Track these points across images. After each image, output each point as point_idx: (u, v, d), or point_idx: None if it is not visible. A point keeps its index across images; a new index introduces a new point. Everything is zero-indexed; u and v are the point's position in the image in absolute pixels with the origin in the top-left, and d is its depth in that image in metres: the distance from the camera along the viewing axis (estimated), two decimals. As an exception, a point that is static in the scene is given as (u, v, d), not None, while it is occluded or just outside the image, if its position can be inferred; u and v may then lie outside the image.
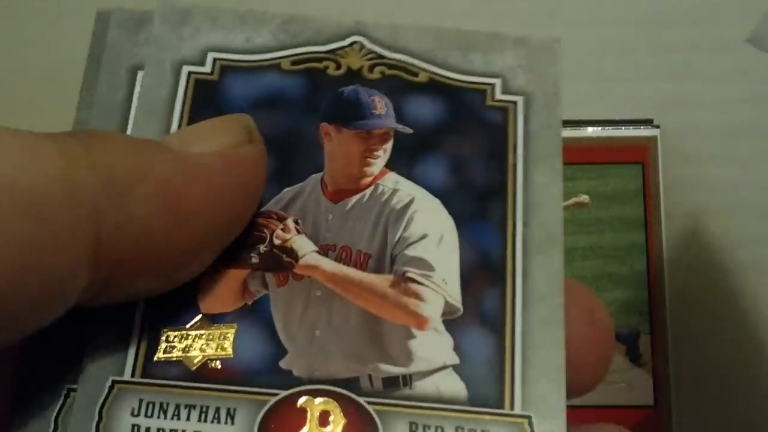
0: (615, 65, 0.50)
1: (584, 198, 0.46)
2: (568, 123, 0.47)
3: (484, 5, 0.52)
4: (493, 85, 0.25)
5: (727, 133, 0.49)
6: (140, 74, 0.24)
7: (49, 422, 0.22)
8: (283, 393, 0.22)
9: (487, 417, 0.21)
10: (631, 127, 0.47)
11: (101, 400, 0.21)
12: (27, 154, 0.18)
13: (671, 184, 0.47)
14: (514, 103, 0.24)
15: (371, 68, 0.25)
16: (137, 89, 0.24)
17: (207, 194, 0.21)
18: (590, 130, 0.47)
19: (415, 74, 0.25)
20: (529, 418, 0.21)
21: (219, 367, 0.22)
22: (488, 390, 0.22)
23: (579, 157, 0.47)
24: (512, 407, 0.22)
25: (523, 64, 0.25)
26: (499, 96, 0.25)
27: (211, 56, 0.25)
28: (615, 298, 0.45)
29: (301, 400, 0.22)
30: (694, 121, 0.49)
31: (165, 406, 0.22)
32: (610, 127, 0.47)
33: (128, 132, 0.24)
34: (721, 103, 0.50)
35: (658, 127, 0.47)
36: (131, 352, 0.22)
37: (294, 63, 0.25)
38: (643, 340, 0.45)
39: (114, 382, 0.22)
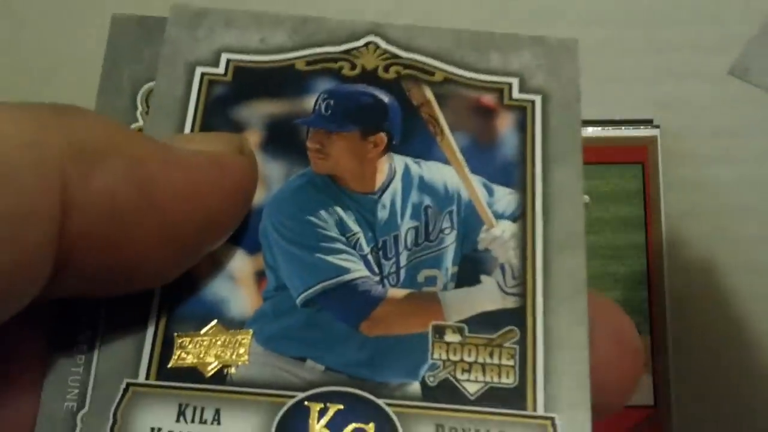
0: (615, 65, 0.50)
1: (584, 198, 0.46)
2: (567, 123, 0.47)
3: (484, 5, 0.52)
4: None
5: (727, 133, 0.49)
6: (198, 70, 0.24)
7: (108, 416, 0.21)
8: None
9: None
10: (631, 127, 0.47)
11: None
12: None
13: (671, 184, 0.47)
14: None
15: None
16: (195, 86, 0.24)
17: (184, 184, 0.20)
18: (590, 130, 0.47)
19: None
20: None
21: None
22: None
23: (579, 157, 0.47)
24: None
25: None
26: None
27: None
28: (615, 298, 0.45)
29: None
30: (694, 121, 0.49)
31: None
32: (610, 127, 0.47)
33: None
34: (721, 103, 0.50)
35: (658, 127, 0.47)
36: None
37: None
38: (643, 340, 0.45)
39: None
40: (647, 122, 0.47)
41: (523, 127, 0.24)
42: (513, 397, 0.22)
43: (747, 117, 0.49)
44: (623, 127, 0.47)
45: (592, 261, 0.46)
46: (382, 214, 0.24)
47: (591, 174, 0.47)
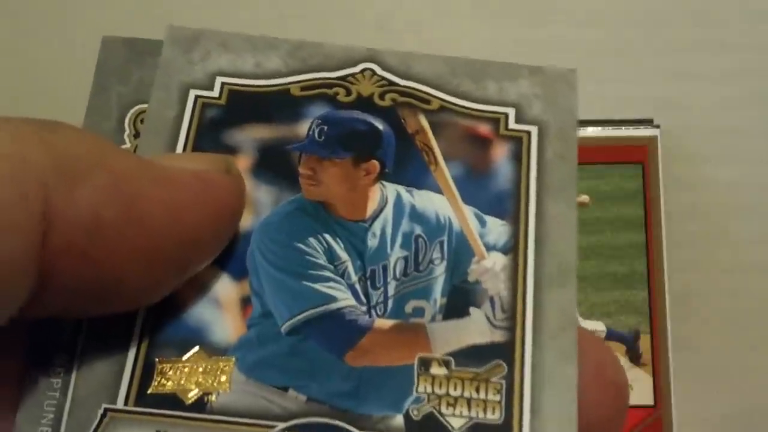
0: (615, 65, 0.50)
1: (584, 198, 0.46)
2: (567, 123, 0.47)
3: (482, 5, 0.52)
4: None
5: (727, 133, 0.49)
6: (191, 93, 0.24)
7: None
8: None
9: None
10: (631, 127, 0.47)
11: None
12: None
13: (671, 184, 0.47)
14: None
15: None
16: (188, 108, 0.24)
17: (168, 201, 0.20)
18: (590, 130, 0.47)
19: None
20: None
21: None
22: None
23: (579, 157, 0.47)
24: None
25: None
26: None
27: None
28: (615, 298, 0.45)
29: None
30: (694, 121, 0.49)
31: None
32: (610, 127, 0.47)
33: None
34: (721, 103, 0.49)
35: (658, 127, 0.47)
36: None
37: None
38: (643, 340, 0.45)
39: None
40: (647, 122, 0.47)
41: (518, 158, 0.24)
42: None
43: (747, 117, 0.49)
44: (623, 127, 0.47)
45: (592, 261, 0.46)
46: (372, 242, 0.24)
47: (591, 174, 0.47)
